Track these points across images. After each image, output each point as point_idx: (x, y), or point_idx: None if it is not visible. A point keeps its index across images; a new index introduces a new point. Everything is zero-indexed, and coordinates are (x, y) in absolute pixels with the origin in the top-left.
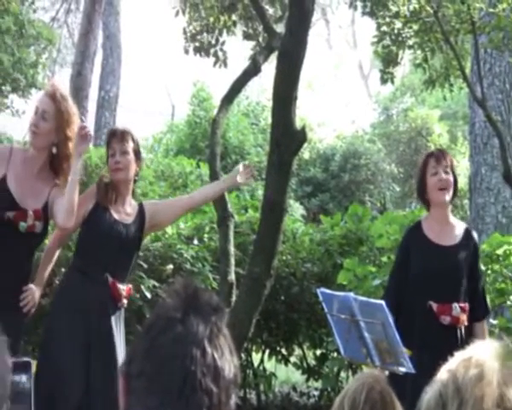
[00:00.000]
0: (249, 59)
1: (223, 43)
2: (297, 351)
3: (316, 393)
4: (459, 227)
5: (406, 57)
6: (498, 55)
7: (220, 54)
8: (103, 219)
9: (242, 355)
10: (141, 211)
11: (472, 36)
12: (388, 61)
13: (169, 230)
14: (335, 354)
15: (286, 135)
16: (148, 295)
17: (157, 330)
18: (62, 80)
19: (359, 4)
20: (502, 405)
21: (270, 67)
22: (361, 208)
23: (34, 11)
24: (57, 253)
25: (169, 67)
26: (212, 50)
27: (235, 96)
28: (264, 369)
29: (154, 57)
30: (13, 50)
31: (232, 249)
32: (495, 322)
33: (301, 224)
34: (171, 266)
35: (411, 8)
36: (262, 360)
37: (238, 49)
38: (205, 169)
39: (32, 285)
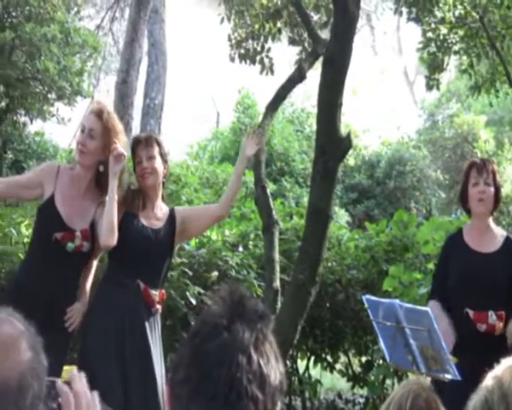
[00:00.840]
0: (295, 64)
1: (268, 49)
2: (342, 358)
3: (361, 400)
4: (500, 235)
5: (452, 63)
6: None
7: (266, 61)
8: (132, 226)
9: (288, 362)
10: (171, 216)
11: None
12: (434, 67)
13: (214, 236)
14: (381, 362)
15: (331, 142)
16: (193, 301)
17: (203, 337)
18: (107, 88)
19: (405, 10)
20: None
21: (315, 74)
22: (406, 215)
23: (80, 19)
24: (95, 264)
25: (214, 74)
26: (257, 57)
27: (279, 102)
28: (310, 376)
29: (199, 64)
30: (58, 58)
31: (277, 256)
32: None
33: (346, 230)
34: (216, 273)
35: (457, 13)
36: (307, 367)
37: (283, 55)
38: (250, 176)
39: (76, 304)
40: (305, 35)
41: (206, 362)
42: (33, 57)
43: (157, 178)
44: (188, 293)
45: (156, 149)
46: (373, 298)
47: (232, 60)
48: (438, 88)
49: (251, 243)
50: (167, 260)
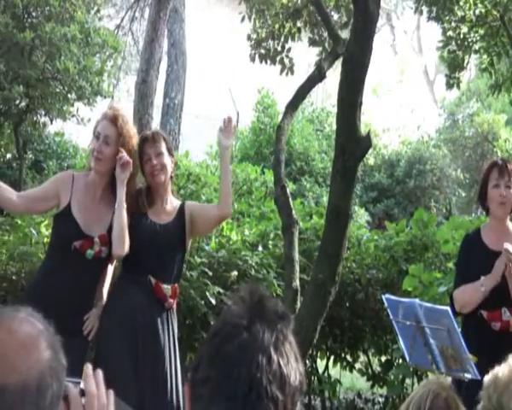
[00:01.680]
0: (315, 65)
1: (288, 49)
2: (362, 358)
3: (381, 400)
4: None
5: (472, 62)
6: None
7: (286, 61)
8: (140, 225)
9: (307, 362)
10: (181, 210)
11: None
12: (454, 65)
13: (234, 236)
14: (400, 361)
15: (351, 141)
16: (213, 301)
17: (222, 337)
18: (127, 88)
19: (425, 9)
20: None
21: (334, 73)
22: (426, 214)
23: (99, 19)
24: (112, 268)
25: (233, 73)
26: (277, 57)
27: (299, 102)
28: (329, 375)
29: (219, 64)
30: (78, 58)
31: (297, 256)
32: None
33: (366, 230)
34: (235, 273)
35: (477, 12)
36: (327, 367)
37: (303, 55)
38: (269, 176)
39: (93, 310)
40: (325, 35)
41: (225, 362)
42: (53, 57)
43: (166, 174)
44: (207, 293)
45: (163, 145)
46: (393, 297)
47: (252, 60)
48: (458, 87)
49: (270, 242)
50: (179, 254)
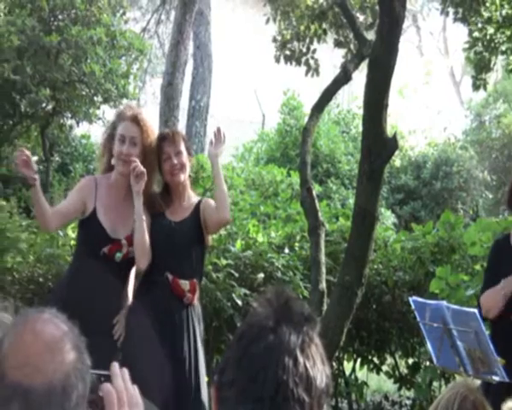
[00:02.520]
0: (340, 67)
1: (314, 51)
2: (389, 360)
3: (408, 402)
4: None
5: (499, 63)
6: None
7: (311, 62)
8: (156, 224)
9: (334, 364)
10: (197, 207)
11: None
12: (481, 67)
13: (260, 238)
14: (428, 363)
15: (377, 143)
16: (239, 303)
17: (249, 339)
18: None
19: (451, 10)
20: None
21: (360, 75)
22: (453, 216)
23: (125, 22)
24: (134, 269)
25: (259, 75)
26: (303, 59)
27: (325, 104)
28: (356, 378)
29: (245, 66)
30: (104, 61)
31: (323, 258)
32: None
33: (393, 232)
34: (261, 275)
35: (504, 13)
36: (354, 369)
37: (328, 56)
38: (295, 178)
39: (121, 312)
40: (351, 36)
41: (252, 364)
42: (79, 60)
43: (186, 173)
44: (234, 295)
45: (182, 144)
46: (420, 300)
47: (277, 61)
48: (485, 88)
49: (297, 244)
50: (195, 249)
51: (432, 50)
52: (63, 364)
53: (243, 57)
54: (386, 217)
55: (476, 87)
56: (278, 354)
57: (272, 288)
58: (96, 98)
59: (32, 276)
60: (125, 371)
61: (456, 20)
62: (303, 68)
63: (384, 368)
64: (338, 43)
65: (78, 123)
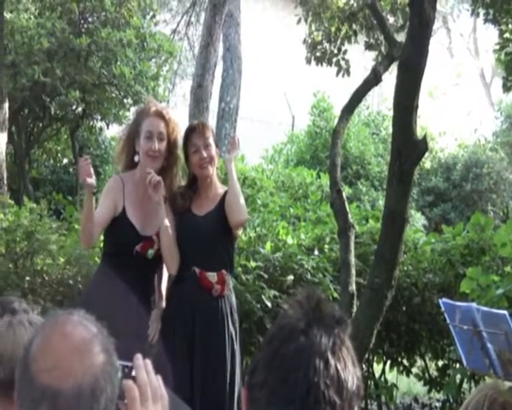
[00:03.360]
0: (371, 71)
1: (344, 51)
2: (419, 362)
3: (438, 404)
4: None
5: None
6: None
7: (342, 63)
8: (181, 221)
9: (364, 366)
10: (222, 198)
11: None
12: (511, 68)
13: (289, 240)
14: (458, 365)
15: (407, 144)
16: (269, 305)
17: (280, 341)
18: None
19: (481, 12)
20: None
21: (390, 77)
22: (483, 218)
23: (155, 24)
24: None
25: (289, 77)
26: (334, 59)
27: (355, 106)
28: (386, 380)
29: (274, 68)
30: (134, 63)
31: (353, 260)
32: None
33: (422, 234)
34: (291, 277)
35: None
36: (383, 371)
37: (359, 58)
38: (325, 180)
39: (155, 311)
40: (382, 38)
41: (282, 366)
42: (109, 62)
43: (214, 166)
44: (263, 297)
45: (211, 137)
46: (450, 302)
47: (308, 62)
48: None
49: (326, 246)
50: (222, 240)
51: (462, 52)
52: (92, 367)
53: (273, 59)
54: (416, 219)
55: (507, 88)
56: (309, 356)
57: (303, 290)
58: (125, 100)
59: (62, 278)
60: (149, 362)
61: (486, 21)
62: (333, 70)
63: (414, 370)
64: (369, 46)
65: (107, 125)
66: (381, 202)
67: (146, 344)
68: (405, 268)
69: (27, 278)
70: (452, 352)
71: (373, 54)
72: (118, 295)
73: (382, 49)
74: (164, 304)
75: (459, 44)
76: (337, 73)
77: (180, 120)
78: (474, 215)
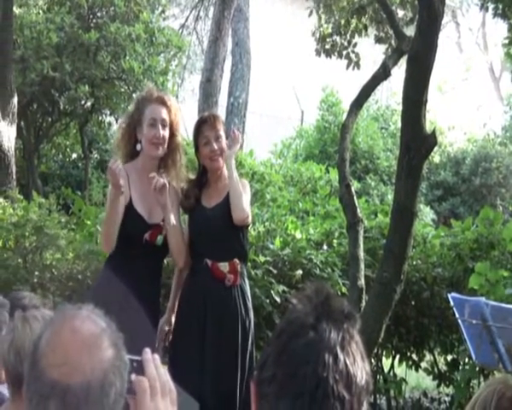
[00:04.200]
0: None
1: (354, 44)
2: (428, 356)
3: (447, 399)
4: None
5: None
6: None
7: (352, 55)
8: (191, 213)
9: (372, 361)
10: None
11: None
12: None
13: (298, 235)
14: (467, 360)
15: (416, 139)
16: (278, 300)
17: (289, 336)
18: (192, 87)
19: (490, 6)
20: None
21: (399, 71)
22: (492, 212)
23: (164, 19)
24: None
25: (298, 72)
26: (344, 52)
27: (364, 100)
28: (395, 374)
29: (283, 63)
30: (143, 58)
31: (362, 254)
32: None
33: (431, 228)
34: (300, 272)
35: None
36: (392, 366)
37: (369, 52)
38: (334, 174)
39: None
40: (391, 32)
41: (292, 361)
42: (118, 57)
43: (223, 158)
44: (272, 291)
45: (222, 129)
46: (459, 296)
47: (318, 54)
48: None
49: (335, 241)
50: (232, 231)
51: (471, 46)
52: (101, 362)
53: (282, 54)
54: (425, 213)
55: None
56: (318, 350)
57: (311, 284)
58: (134, 95)
59: (71, 273)
60: (157, 357)
61: (495, 15)
62: (342, 65)
63: (423, 365)
64: (378, 39)
65: (116, 120)
66: (390, 197)
67: (154, 339)
68: (414, 262)
69: (36, 273)
70: (462, 350)
71: (382, 47)
72: (126, 289)
73: (392, 43)
74: (172, 315)
75: (468, 39)
76: (347, 66)
77: (189, 114)
78: (483, 210)
